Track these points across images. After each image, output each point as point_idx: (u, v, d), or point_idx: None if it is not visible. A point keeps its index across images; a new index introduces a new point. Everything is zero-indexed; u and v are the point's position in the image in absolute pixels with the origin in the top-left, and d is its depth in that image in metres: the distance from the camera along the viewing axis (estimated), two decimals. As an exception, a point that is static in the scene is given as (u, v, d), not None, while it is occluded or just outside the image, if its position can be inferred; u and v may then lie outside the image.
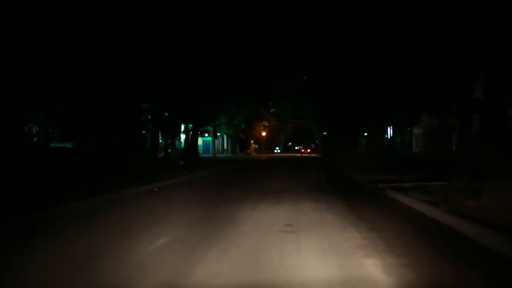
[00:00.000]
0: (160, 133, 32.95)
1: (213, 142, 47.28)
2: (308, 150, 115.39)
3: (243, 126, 56.70)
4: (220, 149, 60.11)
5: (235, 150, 60.21)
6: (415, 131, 37.97)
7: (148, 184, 13.31)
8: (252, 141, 70.10)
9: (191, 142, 36.76)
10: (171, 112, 32.18)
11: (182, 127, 37.69)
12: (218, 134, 57.41)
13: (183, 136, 39.13)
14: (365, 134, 31.57)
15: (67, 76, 18.14)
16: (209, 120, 40.00)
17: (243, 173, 19.74)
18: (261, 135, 77.02)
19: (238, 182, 14.83)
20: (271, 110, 73.48)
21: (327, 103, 27.49)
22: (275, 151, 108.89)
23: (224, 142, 61.02)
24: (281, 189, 11.69)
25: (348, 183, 14.08)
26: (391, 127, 42.95)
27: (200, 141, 54.48)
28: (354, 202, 8.93)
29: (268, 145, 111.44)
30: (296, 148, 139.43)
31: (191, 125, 37.47)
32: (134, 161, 23.42)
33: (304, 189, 11.77)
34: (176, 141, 40.95)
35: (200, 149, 53.41)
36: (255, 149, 75.15)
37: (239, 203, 9.00)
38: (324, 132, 42.07)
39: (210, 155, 50.31)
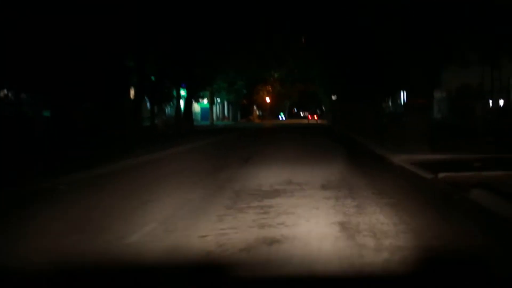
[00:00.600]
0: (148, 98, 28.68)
1: (211, 108, 42.80)
2: (315, 117, 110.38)
3: (244, 92, 52.15)
4: (220, 116, 55.77)
5: (236, 117, 55.84)
6: (437, 95, 33.65)
7: (94, 168, 9.17)
8: (255, 107, 65.60)
9: (185, 109, 32.44)
10: (159, 74, 27.74)
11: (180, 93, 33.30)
12: (218, 100, 52.94)
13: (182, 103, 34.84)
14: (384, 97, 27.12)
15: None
16: (205, 84, 35.46)
17: (236, 150, 15.47)
18: (265, 101, 72.39)
19: (222, 168, 10.57)
20: (275, 75, 68.69)
21: (341, 61, 22.83)
22: (280, 117, 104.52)
23: (224, 108, 56.56)
24: (282, 182, 7.48)
25: (385, 170, 9.17)
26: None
27: (197, 107, 50.10)
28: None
29: (272, 111, 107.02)
30: (302, 114, 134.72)
31: (184, 90, 33.10)
32: (110, 131, 19.39)
33: (315, 186, 7.33)
34: (170, 108, 36.68)
35: (198, 117, 49.09)
36: (258, 115, 70.71)
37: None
38: (334, 96, 37.58)
39: (208, 122, 46.05)
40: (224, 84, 47.43)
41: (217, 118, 53.30)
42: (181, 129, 29.01)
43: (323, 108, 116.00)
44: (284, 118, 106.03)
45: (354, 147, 15.04)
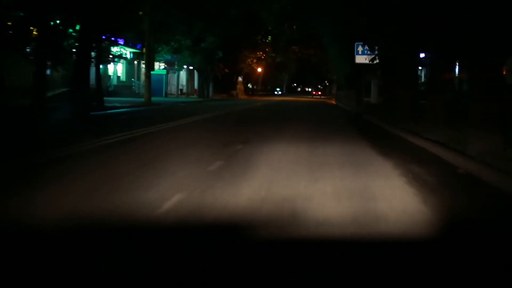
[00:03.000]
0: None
1: (147, 80, 25.76)
2: (319, 93, 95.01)
3: (220, 54, 36.26)
4: (185, 90, 39.95)
5: (206, 91, 39.10)
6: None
7: None
8: (240, 79, 49.62)
9: (74, 72, 16.80)
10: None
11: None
12: (186, 67, 37.07)
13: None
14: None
15: None
16: (126, 25, 19.76)
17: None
18: (256, 71, 56.51)
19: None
20: (268, 38, 52.72)
21: None
22: (276, 92, 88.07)
23: (195, 79, 40.73)
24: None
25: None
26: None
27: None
28: None
29: (267, 85, 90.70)
30: (307, 90, 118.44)
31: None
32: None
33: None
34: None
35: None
36: (245, 89, 54.83)
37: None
38: (366, 58, 22.26)
39: (162, 98, 30.42)
40: (188, 41, 31.54)
41: (180, 91, 37.53)
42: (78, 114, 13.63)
43: (326, 82, 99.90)
44: (281, 93, 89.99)
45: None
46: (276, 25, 42.96)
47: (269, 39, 52.88)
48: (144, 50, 24.95)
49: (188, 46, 32.09)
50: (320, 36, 30.33)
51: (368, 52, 19.62)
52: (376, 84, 23.57)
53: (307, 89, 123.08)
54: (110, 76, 30.14)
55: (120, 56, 22.25)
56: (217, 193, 4.07)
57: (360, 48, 19.74)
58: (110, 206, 3.63)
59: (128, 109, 19.22)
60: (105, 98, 20.49)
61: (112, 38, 20.22)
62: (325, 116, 17.30)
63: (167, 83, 33.80)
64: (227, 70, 44.47)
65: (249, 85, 61.73)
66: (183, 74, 41.24)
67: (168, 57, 33.76)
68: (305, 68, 76.17)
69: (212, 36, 31.90)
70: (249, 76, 56.38)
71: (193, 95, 39.05)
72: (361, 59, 19.82)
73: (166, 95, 33.54)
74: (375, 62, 17.26)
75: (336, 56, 26.83)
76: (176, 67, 34.58)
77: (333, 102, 38.64)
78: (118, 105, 19.97)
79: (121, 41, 28.96)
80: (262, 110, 22.98)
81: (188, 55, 32.44)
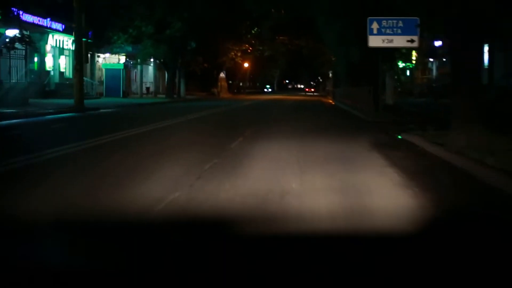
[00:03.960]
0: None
1: (77, 75, 18.07)
2: (312, 90, 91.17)
3: (193, 45, 29.82)
4: (153, 88, 33.50)
5: (173, 90, 31.73)
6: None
7: None
8: (222, 75, 42.92)
9: None
10: None
11: None
12: (153, 60, 30.61)
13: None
14: None
15: None
16: None
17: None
18: (242, 67, 50.05)
19: None
20: (254, 30, 46.10)
21: None
22: (266, 90, 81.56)
23: (166, 75, 34.15)
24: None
25: None
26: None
27: (102, 71, 28.11)
28: None
29: (255, 82, 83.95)
30: (299, 86, 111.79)
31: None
32: None
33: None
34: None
35: (102, 87, 27.15)
36: (229, 86, 48.42)
37: None
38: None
39: (117, 99, 24.08)
40: (147, 27, 25.31)
41: (144, 90, 31.03)
42: None
43: (320, 78, 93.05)
44: (271, 90, 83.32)
45: None
46: (259, 8, 36.74)
47: (255, 30, 46.23)
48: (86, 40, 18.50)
49: (151, 34, 25.68)
50: (313, 19, 23.99)
51: (388, 32, 13.44)
52: (392, 77, 17.42)
53: (299, 85, 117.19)
54: (49, 71, 23.73)
55: (27, 42, 15.52)
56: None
57: (375, 26, 13.46)
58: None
59: (31, 119, 12.88)
60: (38, 101, 14.62)
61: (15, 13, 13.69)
62: (331, 130, 10.90)
63: (125, 80, 27.31)
64: (206, 65, 37.97)
65: (234, 82, 55.18)
66: (151, 70, 34.79)
67: (129, 48, 27.34)
68: (296, 63, 69.65)
69: (179, 21, 25.45)
70: (234, 72, 49.88)
71: (157, 95, 32.58)
72: (376, 41, 13.53)
73: (126, 94, 27.11)
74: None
75: (335, 41, 20.40)
76: (138, 60, 28.11)
77: (331, 101, 32.41)
78: (21, 112, 13.55)
79: (58, 25, 22.59)
80: (233, 116, 16.68)
81: (151, 45, 25.97)
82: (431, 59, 35.10)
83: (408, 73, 35.47)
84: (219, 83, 41.70)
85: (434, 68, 36.01)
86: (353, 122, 13.49)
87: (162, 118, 13.10)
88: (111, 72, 26.49)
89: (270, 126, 11.76)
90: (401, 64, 28.91)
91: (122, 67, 27.03)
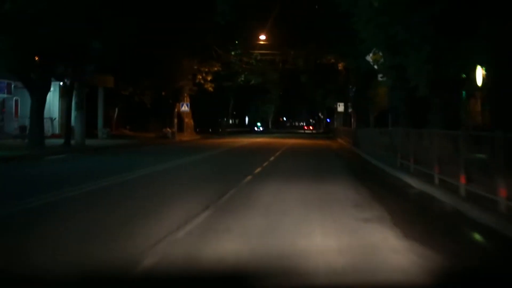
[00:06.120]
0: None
1: None
2: (311, 128, 79.25)
3: (97, 46, 16.52)
4: (57, 125, 19.89)
5: (70, 128, 17.02)
6: None
7: None
8: (184, 107, 28.93)
9: None
10: None
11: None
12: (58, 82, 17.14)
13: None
14: None
15: None
16: None
17: None
18: (218, 97, 36.53)
19: None
20: (236, 43, 32.44)
21: None
22: (256, 129, 65.98)
23: (58, 105, 20.33)
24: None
25: None
26: None
27: None
28: None
29: (244, 119, 69.45)
30: (297, 124, 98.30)
31: None
32: None
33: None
34: None
35: None
36: (196, 126, 34.56)
37: None
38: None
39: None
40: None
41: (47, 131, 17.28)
42: None
43: (320, 115, 78.85)
44: (261, 129, 67.96)
45: None
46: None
47: (236, 51, 32.65)
48: None
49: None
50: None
51: None
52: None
53: (297, 123, 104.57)
54: None
55: None
56: None
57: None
58: None
59: None
60: None
61: None
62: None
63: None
64: (148, 92, 24.59)
65: (206, 119, 41.36)
66: (51, 97, 21.20)
67: None
68: (293, 95, 56.04)
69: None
70: (206, 104, 36.24)
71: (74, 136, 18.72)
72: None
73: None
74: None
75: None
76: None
77: (347, 146, 18.92)
78: None
79: None
80: None
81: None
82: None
83: None
84: (175, 120, 27.98)
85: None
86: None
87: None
88: None
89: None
90: None
91: None
